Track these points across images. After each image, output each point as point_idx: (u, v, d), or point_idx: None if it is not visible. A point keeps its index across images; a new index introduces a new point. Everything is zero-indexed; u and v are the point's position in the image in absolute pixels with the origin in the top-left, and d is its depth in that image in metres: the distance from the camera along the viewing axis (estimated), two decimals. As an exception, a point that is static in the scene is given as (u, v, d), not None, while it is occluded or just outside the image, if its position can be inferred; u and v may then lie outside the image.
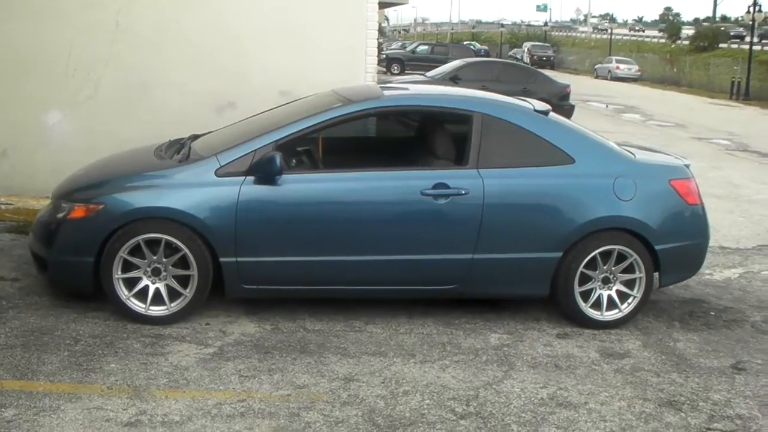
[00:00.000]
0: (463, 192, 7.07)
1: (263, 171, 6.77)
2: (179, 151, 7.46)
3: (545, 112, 7.64)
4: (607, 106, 34.75)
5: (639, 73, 60.27)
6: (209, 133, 8.34)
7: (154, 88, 10.57)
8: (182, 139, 8.19)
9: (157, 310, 6.94)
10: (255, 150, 6.87)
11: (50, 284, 7.40)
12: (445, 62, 31.04)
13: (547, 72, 31.30)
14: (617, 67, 60.26)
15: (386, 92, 8.30)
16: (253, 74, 10.61)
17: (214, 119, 9.76)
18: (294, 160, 7.39)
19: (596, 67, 63.46)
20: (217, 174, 6.83)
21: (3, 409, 5.55)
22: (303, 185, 7.01)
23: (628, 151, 7.93)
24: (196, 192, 6.82)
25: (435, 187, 7.05)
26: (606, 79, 58.76)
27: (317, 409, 5.83)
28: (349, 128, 8.11)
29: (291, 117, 7.36)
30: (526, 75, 25.26)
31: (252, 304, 7.43)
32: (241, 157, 6.88)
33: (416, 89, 9.25)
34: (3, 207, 9.98)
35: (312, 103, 7.68)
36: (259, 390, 6.06)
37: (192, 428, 5.49)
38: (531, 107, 7.73)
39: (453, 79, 22.57)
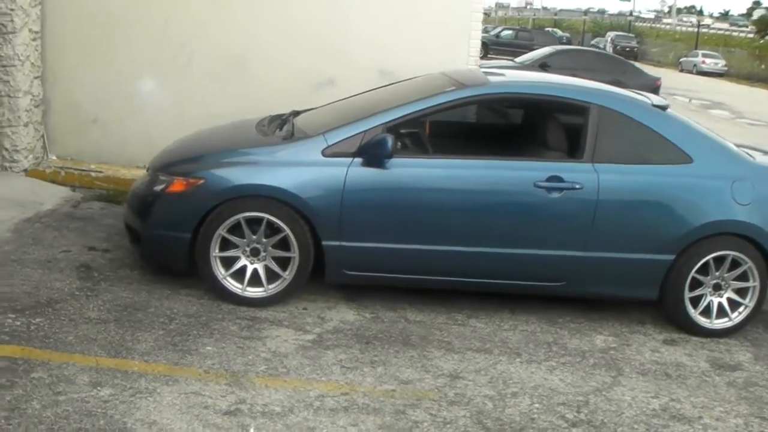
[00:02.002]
0: (577, 186, 6.77)
1: (373, 153, 6.53)
2: (282, 128, 7.23)
3: (663, 107, 7.23)
4: (690, 101, 33.85)
5: (725, 68, 58.71)
6: (310, 110, 8.11)
7: (249, 60, 10.33)
8: (283, 114, 7.94)
9: (253, 292, 6.74)
10: (365, 131, 6.62)
11: (142, 258, 7.19)
12: (529, 48, 30.59)
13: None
14: (703, 61, 58.77)
15: (491, 78, 7.86)
16: (354, 52, 10.28)
17: (310, 96, 9.50)
18: (402, 144, 7.13)
19: (681, 60, 62.00)
20: (324, 154, 6.59)
21: (99, 388, 5.35)
22: (412, 170, 6.72)
23: (746, 152, 7.55)
24: (302, 171, 6.58)
25: (549, 179, 6.77)
26: (691, 72, 57.44)
27: (424, 408, 5.56)
28: (455, 114, 7.90)
29: (401, 99, 7.03)
30: (617, 65, 24.70)
31: (350, 291, 7.19)
32: (349, 137, 6.63)
33: (524, 76, 8.81)
34: (93, 174, 9.84)
35: (422, 86, 7.39)
36: (362, 383, 5.81)
37: (294, 421, 5.24)
38: (649, 101, 7.37)
39: (542, 66, 22.10)
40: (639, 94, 7.81)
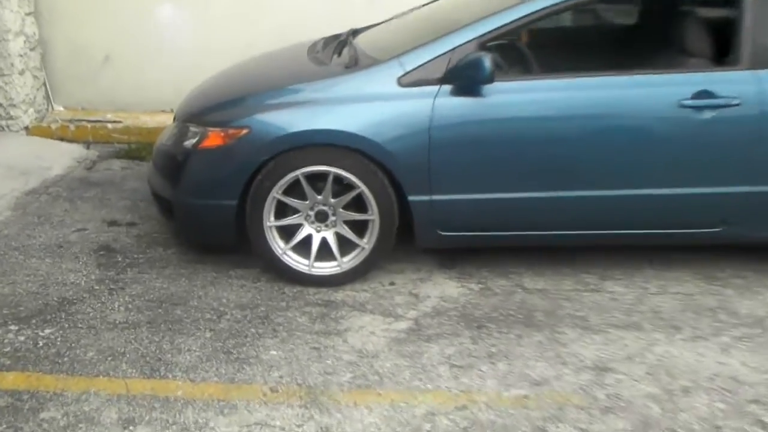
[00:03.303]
0: (735, 102, 5.65)
1: (466, 78, 5.53)
2: (341, 52, 6.35)
3: None
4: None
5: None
6: (372, 27, 7.15)
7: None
8: (340, 35, 7.01)
9: (324, 268, 5.92)
10: (452, 49, 5.60)
11: (179, 233, 6.43)
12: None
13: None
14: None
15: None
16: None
17: (361, 12, 8.47)
18: (500, 63, 6.09)
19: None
20: (401, 83, 5.62)
21: (132, 428, 4.38)
22: (517, 96, 5.67)
23: None
24: (374, 108, 5.62)
25: (696, 96, 5.58)
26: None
27: (569, 421, 4.52)
28: (550, 21, 6.83)
29: (492, 5, 5.92)
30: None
31: (446, 254, 6.27)
32: (433, 59, 5.64)
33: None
34: (110, 126, 9.02)
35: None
36: (482, 389, 4.75)
37: (399, 457, 4.13)
38: None
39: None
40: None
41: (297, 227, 5.87)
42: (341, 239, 5.86)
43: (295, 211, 5.82)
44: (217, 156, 5.80)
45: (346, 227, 5.84)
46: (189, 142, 5.90)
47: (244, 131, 5.71)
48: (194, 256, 6.30)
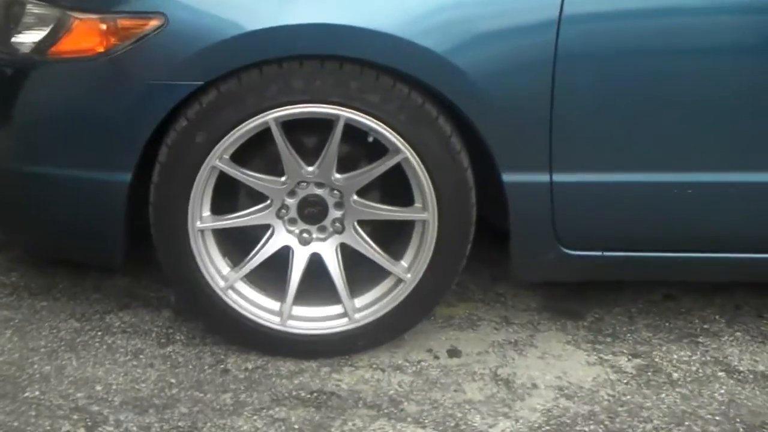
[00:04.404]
0: None
1: None
2: None
3: None
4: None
5: None
6: None
7: None
8: None
9: (314, 320, 4.52)
10: None
11: (6, 241, 4.96)
12: None
13: None
14: None
15: None
16: None
17: None
18: None
19: None
20: None
21: None
22: None
23: None
24: None
25: None
26: None
27: None
28: None
29: None
30: None
31: (562, 291, 4.93)
32: None
33: None
34: None
35: None
36: None
37: None
38: None
39: None
40: None
41: (260, 232, 4.46)
42: (353, 259, 4.45)
43: (258, 197, 4.40)
44: (90, 74, 4.41)
45: (363, 236, 4.42)
46: (25, 40, 4.53)
47: (153, 22, 4.32)
48: (36, 280, 4.89)
